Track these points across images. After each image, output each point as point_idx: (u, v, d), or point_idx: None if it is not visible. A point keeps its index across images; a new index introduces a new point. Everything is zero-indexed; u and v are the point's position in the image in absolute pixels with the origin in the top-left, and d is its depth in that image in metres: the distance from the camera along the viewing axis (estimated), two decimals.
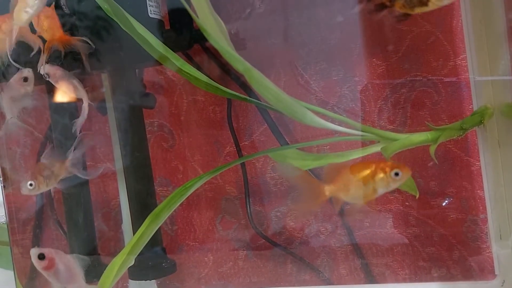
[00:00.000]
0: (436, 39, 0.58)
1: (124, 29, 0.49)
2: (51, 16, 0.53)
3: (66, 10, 0.55)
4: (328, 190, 0.45)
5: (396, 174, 0.43)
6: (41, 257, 0.52)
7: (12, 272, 0.70)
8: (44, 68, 0.55)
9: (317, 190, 0.46)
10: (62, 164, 0.57)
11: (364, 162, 0.46)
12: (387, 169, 0.43)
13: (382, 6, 0.48)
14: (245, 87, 0.62)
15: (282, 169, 0.55)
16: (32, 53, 0.55)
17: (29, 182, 0.56)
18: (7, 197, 0.65)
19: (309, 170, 0.62)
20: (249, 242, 0.67)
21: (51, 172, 0.57)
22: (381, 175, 0.43)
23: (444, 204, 0.59)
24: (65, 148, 0.59)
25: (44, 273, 0.54)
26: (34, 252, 0.53)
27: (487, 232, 0.58)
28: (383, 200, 0.62)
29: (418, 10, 0.45)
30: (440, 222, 0.60)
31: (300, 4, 0.62)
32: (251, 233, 0.67)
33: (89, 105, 0.58)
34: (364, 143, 0.57)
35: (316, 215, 0.64)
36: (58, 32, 0.54)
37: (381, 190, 0.44)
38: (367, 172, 0.44)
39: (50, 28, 0.53)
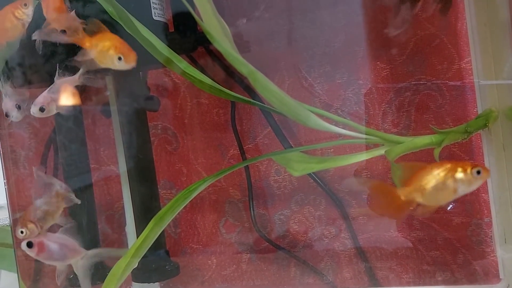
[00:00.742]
0: (441, 42, 0.58)
1: (128, 31, 0.50)
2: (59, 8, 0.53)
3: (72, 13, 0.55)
4: (402, 193, 0.43)
5: (478, 172, 0.41)
6: (30, 245, 0.53)
7: (16, 275, 0.70)
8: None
9: (392, 196, 0.43)
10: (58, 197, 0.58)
11: (440, 162, 0.43)
12: (468, 168, 0.41)
13: None
14: (249, 90, 0.62)
15: (352, 184, 0.53)
16: None
17: (20, 230, 0.56)
18: (10, 199, 0.65)
19: (314, 173, 0.62)
20: (253, 245, 0.67)
21: (45, 213, 0.57)
22: (462, 174, 0.41)
23: (449, 208, 0.59)
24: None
25: (41, 259, 0.54)
26: (22, 244, 0.53)
27: (491, 236, 0.57)
28: None
29: None
30: (445, 226, 0.60)
31: (304, 7, 0.62)
32: (255, 236, 0.66)
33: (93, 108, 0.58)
34: (368, 146, 0.57)
35: (320, 219, 0.64)
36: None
37: (461, 190, 0.41)
38: (446, 172, 0.41)
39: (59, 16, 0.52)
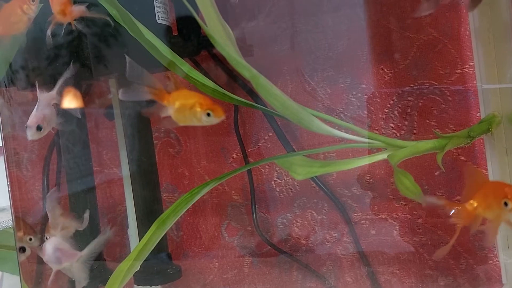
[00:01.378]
0: (444, 46, 0.58)
1: (132, 34, 0.50)
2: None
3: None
4: (467, 208, 0.42)
5: None
6: (40, 128, 0.52)
7: (18, 277, 0.70)
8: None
9: (460, 211, 0.43)
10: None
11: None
12: None
13: None
14: (252, 93, 0.62)
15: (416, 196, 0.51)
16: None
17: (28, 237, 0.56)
18: (13, 201, 0.66)
19: (316, 177, 0.62)
20: (255, 248, 0.67)
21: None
22: None
23: (451, 213, 0.59)
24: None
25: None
26: (31, 132, 0.52)
27: (494, 241, 0.57)
28: (389, 208, 0.61)
29: None
30: (447, 231, 0.60)
31: (307, 11, 0.62)
32: (257, 239, 0.66)
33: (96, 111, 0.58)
34: (371, 151, 0.57)
35: (322, 223, 0.64)
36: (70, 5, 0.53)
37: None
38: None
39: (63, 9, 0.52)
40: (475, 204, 0.42)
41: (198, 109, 0.46)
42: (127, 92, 0.49)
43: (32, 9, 0.54)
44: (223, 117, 0.46)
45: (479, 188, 0.42)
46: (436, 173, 0.59)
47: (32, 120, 0.53)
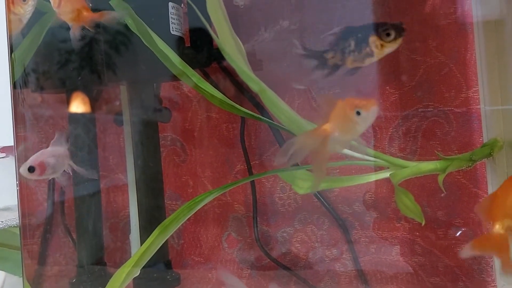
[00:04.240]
0: (450, 70, 0.59)
1: (146, 44, 0.51)
2: None
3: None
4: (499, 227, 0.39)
5: None
6: (31, 169, 0.52)
7: (17, 278, 0.71)
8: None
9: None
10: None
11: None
12: None
13: (335, 66, 0.49)
14: (259, 106, 0.63)
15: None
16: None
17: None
18: (21, 202, 0.66)
19: (318, 193, 0.63)
20: (254, 261, 0.67)
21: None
22: None
23: (457, 234, 0.59)
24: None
25: (45, 177, 0.53)
26: (22, 170, 0.51)
27: (492, 265, 0.57)
28: (390, 227, 0.62)
29: (368, 62, 0.47)
30: (446, 252, 0.60)
31: (316, 29, 0.63)
32: (257, 252, 0.67)
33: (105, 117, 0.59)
34: (374, 169, 0.57)
35: (322, 238, 0.64)
36: (85, 11, 0.51)
37: None
38: None
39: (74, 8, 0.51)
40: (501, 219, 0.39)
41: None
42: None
43: (24, 10, 0.54)
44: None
45: (493, 206, 0.40)
46: (442, 195, 0.59)
47: (31, 159, 0.53)
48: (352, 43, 0.47)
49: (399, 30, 0.46)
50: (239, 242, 0.68)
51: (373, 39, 0.46)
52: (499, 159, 0.53)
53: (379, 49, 0.46)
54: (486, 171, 0.56)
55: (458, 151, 0.58)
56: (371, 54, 0.47)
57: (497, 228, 0.38)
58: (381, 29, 0.46)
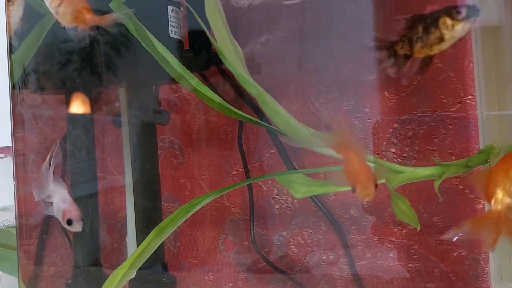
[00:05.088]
0: (447, 76, 0.59)
1: (145, 46, 0.51)
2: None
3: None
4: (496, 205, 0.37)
5: None
6: (70, 222, 0.50)
7: (14, 277, 0.71)
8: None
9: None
10: None
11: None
12: None
13: (405, 57, 0.47)
14: (257, 110, 0.63)
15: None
16: None
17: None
18: (18, 202, 0.66)
19: (315, 197, 0.63)
20: (250, 264, 0.67)
21: None
22: None
23: (454, 239, 0.59)
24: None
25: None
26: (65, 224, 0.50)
27: (488, 272, 0.58)
28: (386, 232, 0.62)
29: (437, 50, 0.44)
30: (442, 258, 0.60)
31: (316, 34, 0.63)
32: (253, 255, 0.67)
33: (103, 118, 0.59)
34: None
35: (318, 242, 0.65)
36: (87, 13, 0.49)
37: None
38: None
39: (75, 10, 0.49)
40: (500, 194, 0.37)
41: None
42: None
43: (11, 11, 0.54)
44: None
45: (491, 181, 0.38)
46: (440, 200, 0.59)
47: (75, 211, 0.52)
48: (420, 29, 0.44)
49: (472, 10, 0.42)
50: (236, 245, 0.68)
51: (443, 20, 0.43)
52: None
53: (450, 30, 0.43)
54: None
55: (455, 157, 0.59)
56: (441, 38, 0.43)
57: (494, 204, 0.37)
58: (452, 8, 0.43)
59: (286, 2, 0.62)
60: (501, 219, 0.36)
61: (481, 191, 0.39)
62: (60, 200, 0.52)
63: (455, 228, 0.40)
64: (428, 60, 0.47)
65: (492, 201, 0.37)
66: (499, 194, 0.37)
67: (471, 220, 0.41)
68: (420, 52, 0.46)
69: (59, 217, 0.51)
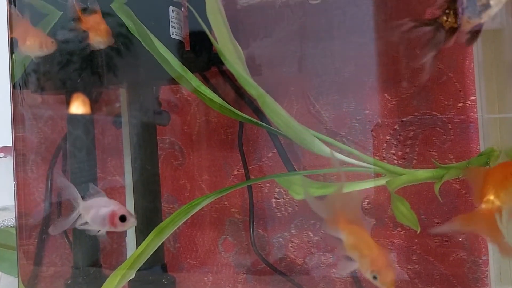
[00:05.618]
0: (448, 79, 0.59)
1: (146, 47, 0.51)
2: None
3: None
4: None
5: None
6: (123, 218, 0.49)
7: (13, 278, 0.71)
8: None
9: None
10: None
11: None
12: None
13: (451, 31, 0.45)
14: (257, 111, 0.63)
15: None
16: None
17: None
18: (18, 202, 0.66)
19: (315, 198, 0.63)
20: (250, 265, 0.67)
21: None
22: None
23: (461, 239, 0.59)
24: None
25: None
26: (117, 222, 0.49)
27: (488, 275, 0.57)
28: (386, 234, 0.62)
29: (486, 17, 0.42)
30: (442, 261, 0.60)
31: (317, 36, 0.63)
32: (252, 257, 0.67)
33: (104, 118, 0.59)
34: (370, 175, 0.58)
35: (318, 244, 0.64)
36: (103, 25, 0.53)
37: None
38: None
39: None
40: (491, 196, 0.37)
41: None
42: None
43: (42, 51, 0.56)
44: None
45: (486, 181, 0.38)
46: (441, 201, 0.59)
47: (118, 208, 0.50)
48: (465, 0, 0.42)
49: None
50: (235, 246, 0.68)
51: None
52: None
53: None
54: None
55: (455, 160, 0.59)
56: (487, 5, 0.41)
57: (485, 203, 0.37)
58: None
59: (312, 2, 0.62)
60: (487, 219, 0.37)
61: (474, 187, 0.39)
62: (100, 207, 0.51)
63: (446, 223, 0.40)
64: (475, 35, 0.46)
65: (484, 200, 0.37)
66: (491, 195, 0.37)
67: (460, 217, 0.43)
68: (468, 22, 0.43)
69: (105, 223, 0.50)
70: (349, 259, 0.41)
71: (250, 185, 0.66)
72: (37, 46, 0.56)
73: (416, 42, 0.60)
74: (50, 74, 0.60)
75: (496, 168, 0.39)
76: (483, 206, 0.37)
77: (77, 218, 0.51)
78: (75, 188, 0.53)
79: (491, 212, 0.37)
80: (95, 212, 0.50)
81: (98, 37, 0.53)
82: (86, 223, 0.51)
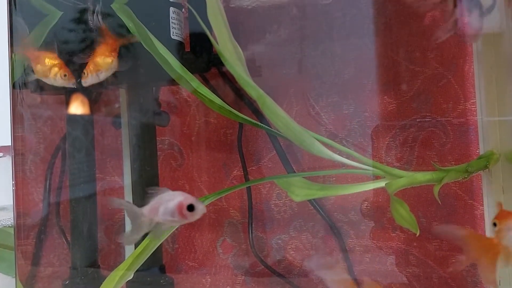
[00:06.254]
0: (448, 82, 0.59)
1: (146, 48, 0.51)
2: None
3: (91, 25, 0.57)
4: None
5: None
6: (191, 208, 0.45)
7: (10, 278, 0.71)
8: None
9: (489, 245, 0.40)
10: None
11: None
12: None
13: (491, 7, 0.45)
14: (257, 113, 0.63)
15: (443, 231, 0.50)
16: None
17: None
18: (17, 202, 0.66)
19: (314, 200, 0.63)
20: (248, 267, 0.67)
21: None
22: None
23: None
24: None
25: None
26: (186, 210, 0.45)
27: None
28: (385, 236, 0.62)
29: None
30: (441, 264, 0.60)
31: (317, 38, 0.64)
32: (251, 258, 0.67)
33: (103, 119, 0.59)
34: (370, 178, 0.58)
35: (317, 246, 0.64)
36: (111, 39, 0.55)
37: None
38: None
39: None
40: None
41: None
42: None
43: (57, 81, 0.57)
44: None
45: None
46: (440, 204, 0.59)
47: (187, 198, 0.46)
48: None
49: None
50: (234, 247, 0.68)
51: None
52: (495, 172, 0.53)
53: None
54: (482, 183, 0.56)
55: (455, 162, 0.59)
56: None
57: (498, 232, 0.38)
58: None
59: (324, 2, 0.62)
60: (493, 250, 0.39)
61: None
62: (165, 203, 0.48)
63: (451, 226, 0.41)
64: None
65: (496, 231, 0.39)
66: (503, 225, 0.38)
67: (468, 232, 0.43)
68: None
69: (175, 217, 0.47)
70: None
71: (249, 186, 0.66)
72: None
73: (416, 46, 0.61)
74: None
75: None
76: (495, 240, 0.39)
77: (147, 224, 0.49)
78: (131, 203, 0.53)
79: (499, 248, 0.38)
80: (162, 210, 0.47)
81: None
82: (157, 224, 0.48)
